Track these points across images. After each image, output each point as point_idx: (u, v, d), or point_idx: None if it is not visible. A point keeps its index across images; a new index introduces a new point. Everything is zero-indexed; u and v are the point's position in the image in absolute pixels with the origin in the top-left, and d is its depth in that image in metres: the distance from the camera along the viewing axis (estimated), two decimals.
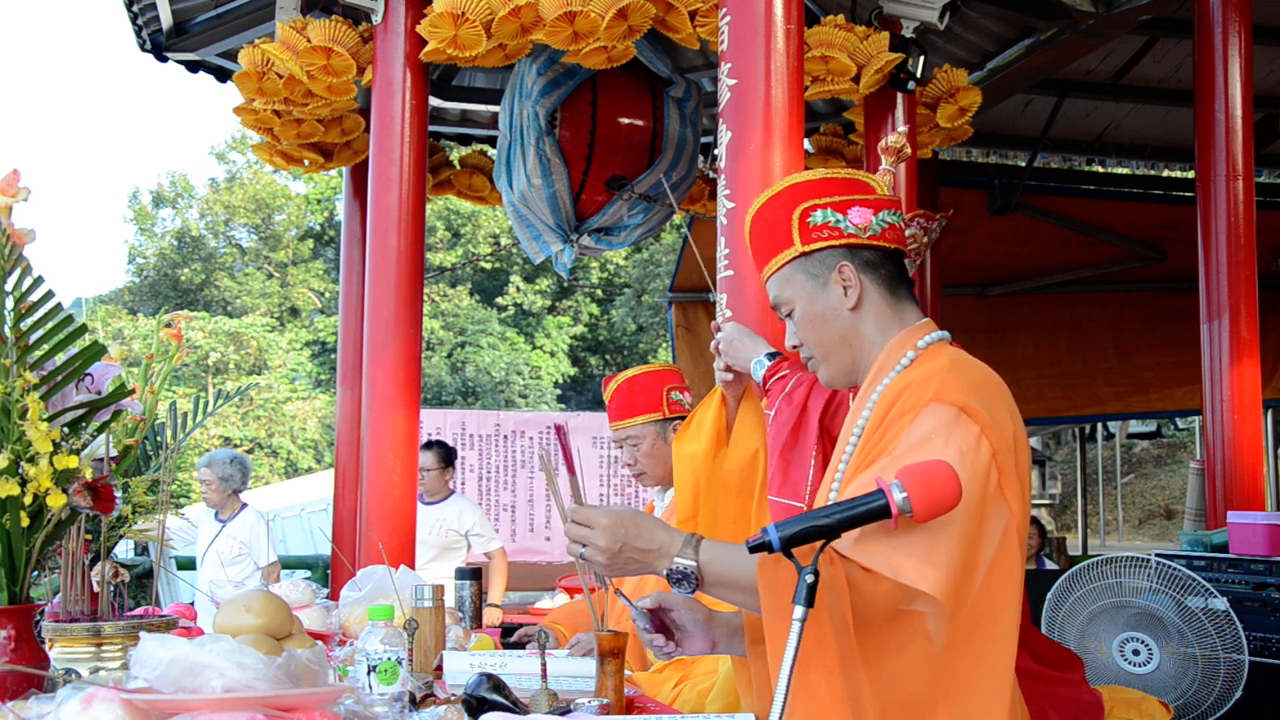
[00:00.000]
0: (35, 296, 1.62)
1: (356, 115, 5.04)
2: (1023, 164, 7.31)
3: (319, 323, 24.00)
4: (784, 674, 1.27)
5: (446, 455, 5.34)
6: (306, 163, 5.27)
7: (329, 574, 6.14)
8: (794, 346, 1.75)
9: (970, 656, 1.44)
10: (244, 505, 5.45)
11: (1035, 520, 6.80)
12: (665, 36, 4.05)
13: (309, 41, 4.14)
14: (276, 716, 1.28)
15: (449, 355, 22.53)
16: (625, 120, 4.88)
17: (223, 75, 5.40)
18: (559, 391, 23.61)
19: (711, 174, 5.75)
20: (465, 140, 6.26)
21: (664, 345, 21.32)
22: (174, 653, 1.32)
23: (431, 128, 5.52)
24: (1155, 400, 8.88)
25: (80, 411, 1.70)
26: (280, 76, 4.35)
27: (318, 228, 25.82)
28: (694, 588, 1.48)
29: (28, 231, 1.61)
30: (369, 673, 1.71)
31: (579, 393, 24.14)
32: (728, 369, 2.33)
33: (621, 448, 3.01)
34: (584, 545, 1.53)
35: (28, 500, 1.58)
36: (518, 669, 2.08)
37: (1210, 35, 4.63)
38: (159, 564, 2.40)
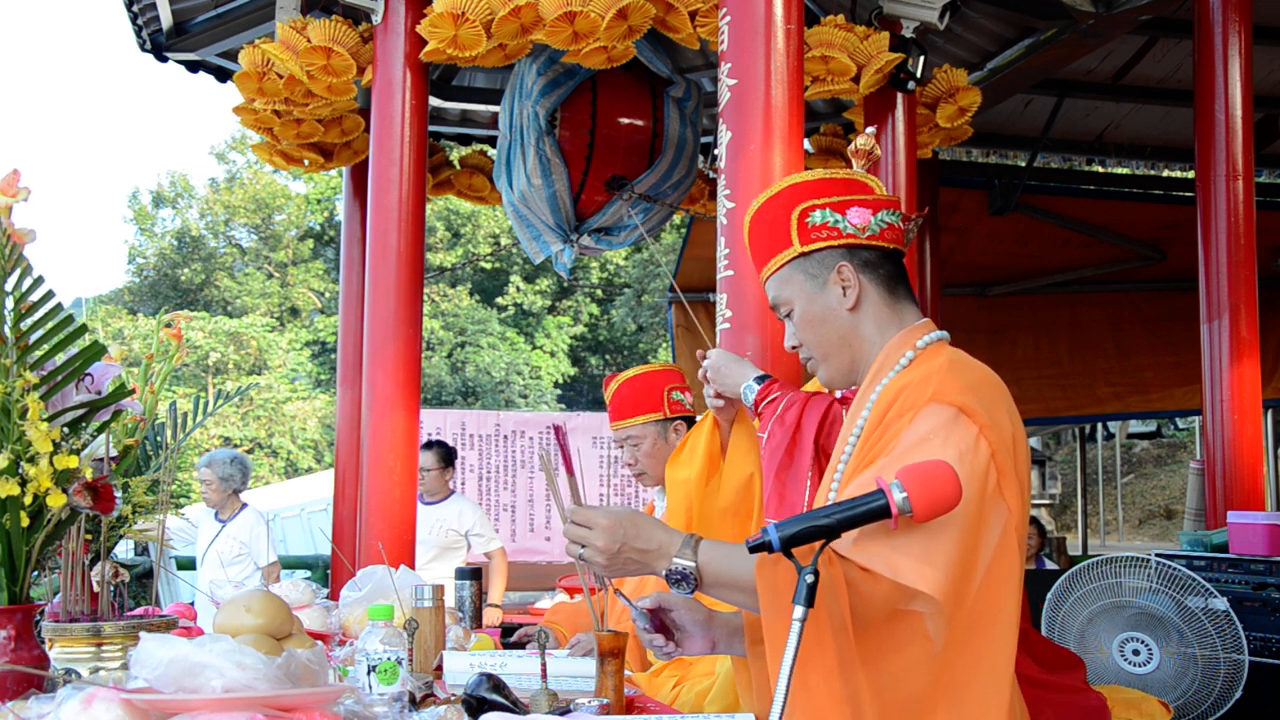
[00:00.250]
0: (35, 296, 1.62)
1: (356, 115, 5.05)
2: (1023, 164, 7.31)
3: (319, 323, 23.99)
4: (783, 674, 1.26)
5: (446, 455, 5.34)
6: (306, 163, 5.27)
7: (329, 574, 6.14)
8: (793, 347, 1.75)
9: (969, 656, 1.44)
10: (244, 505, 5.45)
11: (1035, 520, 6.79)
12: (665, 36, 4.05)
13: (309, 41, 4.14)
14: (276, 716, 1.28)
15: (449, 355, 22.53)
16: (625, 120, 4.88)
17: (223, 75, 5.41)
18: (559, 391, 23.61)
19: (711, 174, 5.75)
20: (465, 140, 6.26)
21: (664, 345, 21.32)
22: (174, 653, 1.32)
23: (431, 128, 5.52)
24: (1155, 400, 8.88)
25: (80, 411, 1.70)
26: (280, 76, 4.35)
27: (318, 228, 25.82)
28: (693, 588, 1.48)
29: (28, 231, 1.61)
30: (369, 673, 1.71)
31: (579, 393, 24.15)
32: (718, 395, 2.33)
33: (622, 448, 3.01)
34: (583, 546, 1.53)
35: (28, 500, 1.58)
36: (518, 669, 2.08)
37: (1210, 35, 4.63)
38: (159, 564, 2.40)
